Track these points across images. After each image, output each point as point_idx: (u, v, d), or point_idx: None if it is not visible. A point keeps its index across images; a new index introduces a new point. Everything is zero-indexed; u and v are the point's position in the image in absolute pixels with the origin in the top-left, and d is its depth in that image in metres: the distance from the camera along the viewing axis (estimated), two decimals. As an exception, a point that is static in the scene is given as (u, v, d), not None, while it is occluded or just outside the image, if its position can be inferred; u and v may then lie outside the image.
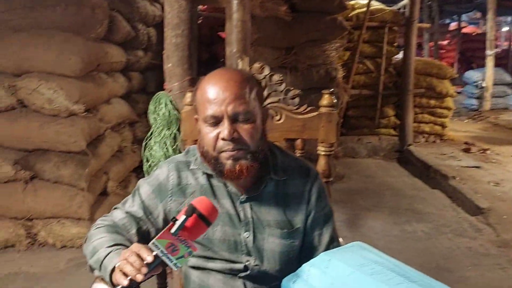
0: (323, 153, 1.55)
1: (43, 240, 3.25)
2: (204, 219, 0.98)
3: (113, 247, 1.09)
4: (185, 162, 1.25)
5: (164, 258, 0.93)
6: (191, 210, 0.97)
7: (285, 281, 1.07)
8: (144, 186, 1.25)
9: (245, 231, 1.18)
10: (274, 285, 1.19)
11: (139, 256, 0.94)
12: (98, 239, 1.13)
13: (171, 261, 0.93)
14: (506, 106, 9.31)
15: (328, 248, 1.24)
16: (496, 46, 11.07)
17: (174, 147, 2.14)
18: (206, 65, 4.55)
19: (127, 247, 1.10)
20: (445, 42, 17.11)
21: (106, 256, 1.06)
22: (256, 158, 1.13)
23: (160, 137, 2.11)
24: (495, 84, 9.03)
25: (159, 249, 0.93)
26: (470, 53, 14.62)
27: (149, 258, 0.93)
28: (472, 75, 9.36)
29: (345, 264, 1.01)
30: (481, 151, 5.93)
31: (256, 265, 1.18)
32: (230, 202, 1.20)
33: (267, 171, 1.21)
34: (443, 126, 6.39)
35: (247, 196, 1.20)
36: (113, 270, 1.01)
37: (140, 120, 4.50)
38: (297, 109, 1.53)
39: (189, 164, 1.24)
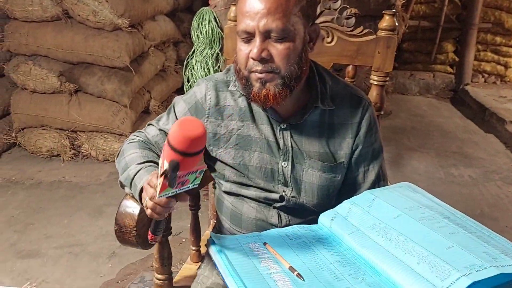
0: (376, 82, 1.41)
1: (86, 152, 3.34)
2: (193, 154, 0.81)
3: (143, 164, 1.04)
4: (224, 81, 1.15)
5: (178, 191, 0.85)
6: (174, 163, 0.79)
7: (322, 217, 0.99)
8: (180, 104, 1.17)
9: (284, 160, 1.10)
10: (309, 219, 1.11)
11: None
12: (130, 155, 1.08)
13: (188, 187, 0.85)
14: None
15: (373, 186, 1.14)
16: None
17: (216, 67, 2.04)
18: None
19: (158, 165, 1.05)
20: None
21: (136, 173, 1.02)
22: (288, 85, 1.00)
23: (202, 56, 2.01)
24: None
25: (168, 194, 0.84)
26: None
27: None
28: (546, 12, 8.47)
29: (391, 205, 0.92)
30: (545, 97, 5.48)
31: (292, 197, 1.10)
32: (270, 128, 1.11)
33: (313, 98, 1.09)
34: (506, 66, 5.88)
35: (288, 123, 1.10)
36: (142, 188, 0.97)
37: (184, 40, 4.39)
38: (351, 31, 1.37)
39: (228, 84, 1.14)
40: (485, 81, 5.88)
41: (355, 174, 1.14)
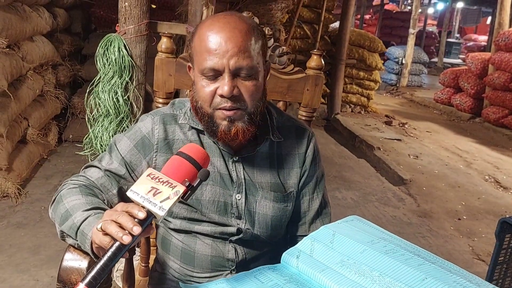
0: (304, 118, 1.47)
1: (-51, 189, 2.85)
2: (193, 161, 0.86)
3: (90, 211, 0.93)
4: (171, 115, 1.11)
5: (146, 204, 0.78)
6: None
7: (287, 255, 0.99)
8: (123, 141, 1.08)
9: (238, 193, 1.09)
10: (264, 251, 1.12)
11: (130, 215, 0.78)
12: (72, 201, 0.96)
13: (155, 205, 0.78)
14: (420, 84, 9.95)
15: (318, 214, 1.19)
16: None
17: (125, 97, 1.93)
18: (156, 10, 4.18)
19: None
20: (367, 17, 17.67)
21: (84, 220, 0.90)
22: (253, 121, 1.03)
23: (110, 85, 1.88)
24: (413, 62, 9.56)
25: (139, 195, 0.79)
26: (388, 30, 15.23)
27: (141, 214, 0.78)
28: (394, 51, 9.79)
29: (353, 240, 0.95)
30: (401, 125, 6.27)
31: (247, 229, 1.09)
32: (222, 160, 1.09)
33: (263, 131, 1.11)
34: (368, 98, 6.63)
35: (241, 155, 1.09)
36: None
37: (64, 63, 4.09)
38: (283, 68, 1.42)
39: (176, 117, 1.10)
40: (351, 111, 6.53)
41: (301, 202, 1.18)
